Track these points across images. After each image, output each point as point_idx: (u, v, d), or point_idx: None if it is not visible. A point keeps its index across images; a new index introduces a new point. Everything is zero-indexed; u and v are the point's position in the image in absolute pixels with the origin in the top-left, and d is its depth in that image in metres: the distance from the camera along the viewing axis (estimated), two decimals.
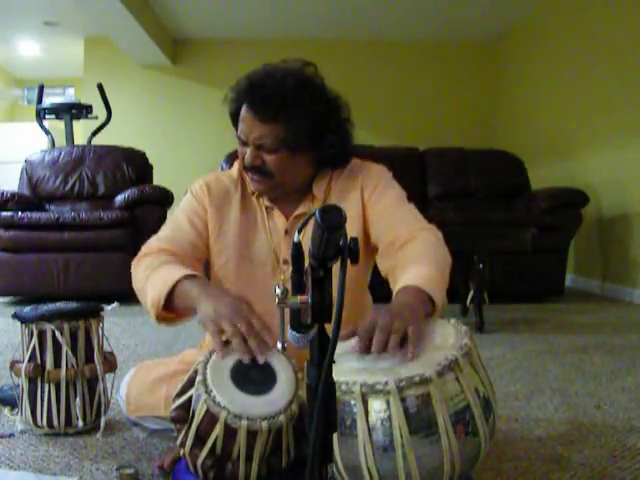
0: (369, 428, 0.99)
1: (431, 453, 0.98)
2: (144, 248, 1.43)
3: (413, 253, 1.28)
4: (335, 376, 1.00)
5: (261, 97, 1.31)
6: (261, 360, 1.11)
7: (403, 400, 0.98)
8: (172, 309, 1.28)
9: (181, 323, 1.36)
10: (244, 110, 1.34)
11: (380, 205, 1.41)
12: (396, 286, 1.22)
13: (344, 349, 1.11)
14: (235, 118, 1.41)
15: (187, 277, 1.25)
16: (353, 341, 1.15)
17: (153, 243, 1.43)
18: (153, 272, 1.32)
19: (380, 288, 1.51)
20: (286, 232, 1.43)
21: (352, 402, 1.00)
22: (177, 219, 1.47)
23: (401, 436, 0.97)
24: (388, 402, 0.98)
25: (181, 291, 1.24)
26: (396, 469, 0.98)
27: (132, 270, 1.41)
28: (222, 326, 1.12)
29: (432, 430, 0.98)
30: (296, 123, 1.32)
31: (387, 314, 1.08)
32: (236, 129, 1.42)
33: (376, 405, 0.99)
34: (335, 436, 0.99)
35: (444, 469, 1.00)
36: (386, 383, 0.98)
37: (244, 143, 1.36)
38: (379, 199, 1.42)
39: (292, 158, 1.36)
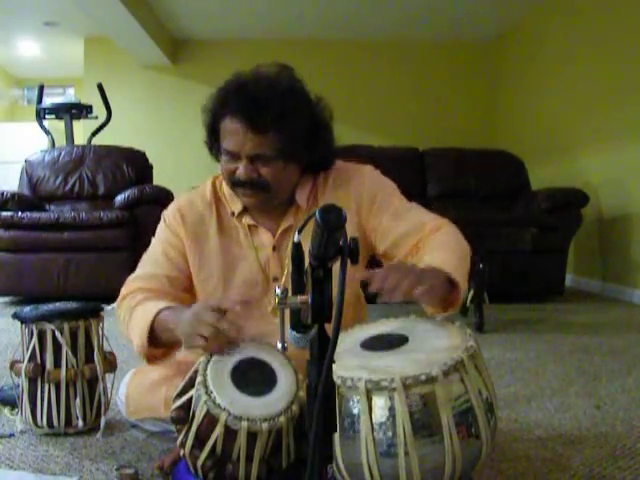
0: (372, 425, 0.99)
1: (433, 453, 0.98)
2: (123, 289, 1.40)
3: (435, 242, 1.29)
4: (339, 372, 1.00)
5: (254, 106, 1.24)
6: (233, 334, 1.12)
7: (408, 398, 0.97)
8: (160, 344, 1.28)
9: (172, 356, 1.36)
10: (232, 122, 1.26)
11: (387, 214, 1.37)
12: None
13: (347, 346, 1.11)
14: (212, 130, 1.34)
15: (162, 310, 1.24)
16: (357, 335, 1.16)
17: (130, 284, 1.40)
18: (132, 315, 1.31)
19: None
20: (274, 248, 1.38)
21: (356, 398, 1.00)
22: (152, 254, 1.43)
23: (404, 434, 0.97)
24: (393, 399, 0.98)
25: (160, 326, 1.24)
26: (397, 467, 0.98)
27: (116, 313, 1.40)
28: (201, 332, 1.12)
29: (435, 429, 0.98)
30: (291, 131, 1.26)
31: (404, 266, 1.10)
32: (213, 141, 1.35)
33: (380, 402, 0.99)
34: (337, 434, 1.00)
35: (445, 469, 0.99)
36: (392, 380, 0.98)
37: (234, 157, 1.29)
38: (383, 208, 1.37)
39: (286, 167, 1.30)
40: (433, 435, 0.98)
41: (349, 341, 1.13)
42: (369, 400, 0.99)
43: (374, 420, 0.99)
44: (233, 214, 1.40)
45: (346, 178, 1.42)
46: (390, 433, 0.98)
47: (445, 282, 1.15)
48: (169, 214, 1.45)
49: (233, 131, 1.27)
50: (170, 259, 1.39)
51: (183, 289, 1.41)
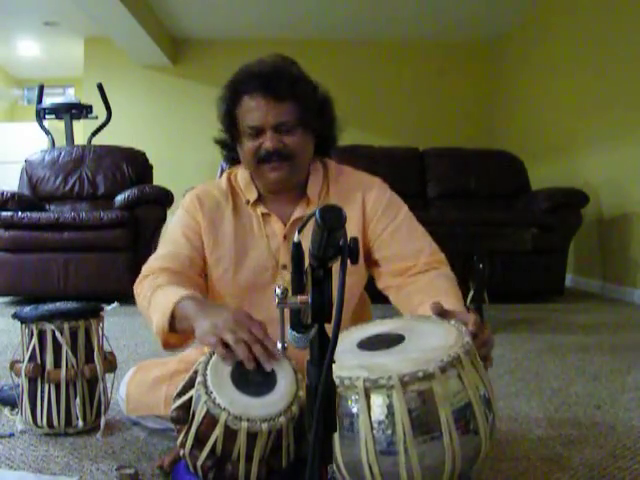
0: (371, 424, 0.99)
1: (433, 449, 0.98)
2: (144, 269, 1.42)
3: (443, 283, 1.35)
4: (338, 371, 1.00)
5: (270, 79, 1.32)
6: (268, 368, 1.10)
7: (406, 395, 0.98)
8: (177, 330, 1.28)
9: (188, 346, 1.36)
10: (251, 99, 1.34)
11: (390, 227, 1.42)
12: (423, 304, 1.26)
13: (344, 347, 1.11)
14: (230, 117, 1.39)
15: (184, 298, 1.24)
16: (354, 336, 1.16)
17: (152, 263, 1.42)
18: (153, 296, 1.32)
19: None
20: (284, 237, 1.42)
21: (355, 397, 1.00)
22: (172, 235, 1.46)
23: (404, 432, 0.97)
24: (391, 397, 0.98)
25: (179, 314, 1.23)
26: (397, 466, 0.98)
27: (135, 293, 1.41)
28: (223, 336, 1.10)
29: (434, 426, 0.98)
30: (305, 99, 1.35)
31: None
32: (231, 130, 1.41)
33: (379, 400, 0.99)
34: (336, 434, 1.00)
35: (445, 467, 0.99)
36: (389, 378, 0.98)
37: (258, 132, 1.35)
38: (386, 218, 1.43)
39: (305, 137, 1.38)
40: (432, 432, 0.98)
41: (346, 342, 1.14)
42: (367, 399, 0.99)
43: (373, 419, 0.99)
44: (248, 202, 1.45)
45: (357, 181, 1.48)
46: (389, 431, 0.98)
47: None
48: (187, 200, 1.50)
49: (254, 107, 1.34)
50: (189, 240, 1.43)
51: (200, 272, 1.44)
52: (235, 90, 1.37)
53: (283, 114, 1.33)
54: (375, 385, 0.99)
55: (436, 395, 0.98)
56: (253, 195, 1.45)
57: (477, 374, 1.06)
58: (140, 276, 1.42)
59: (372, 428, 0.98)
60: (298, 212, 1.43)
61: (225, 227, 1.44)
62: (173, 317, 1.24)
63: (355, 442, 1.00)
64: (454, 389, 1.01)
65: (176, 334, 1.29)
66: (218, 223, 1.45)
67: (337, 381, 1.00)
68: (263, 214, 1.44)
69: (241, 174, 1.49)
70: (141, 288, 1.38)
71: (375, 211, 1.44)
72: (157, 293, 1.31)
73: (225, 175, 1.52)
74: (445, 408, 0.98)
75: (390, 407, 0.98)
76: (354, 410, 1.00)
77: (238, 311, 1.18)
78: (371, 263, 1.47)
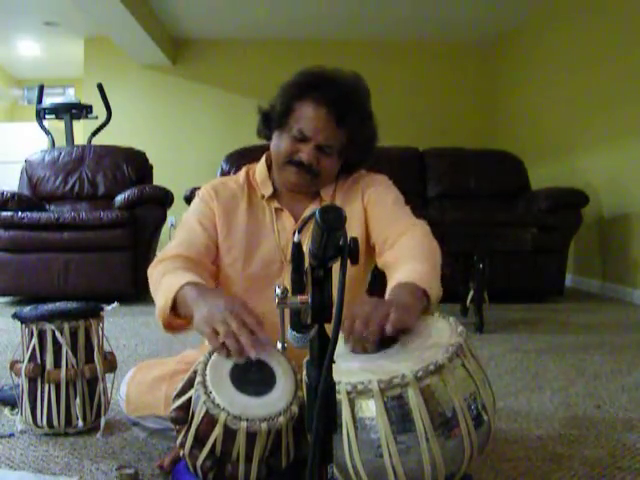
0: (391, 425, 0.98)
1: (451, 439, 0.98)
2: (160, 254, 1.44)
3: (403, 250, 1.32)
4: (347, 378, 0.99)
5: (340, 99, 1.35)
6: (252, 355, 1.09)
7: (421, 390, 0.98)
8: (179, 315, 1.29)
9: (188, 330, 1.36)
10: (316, 108, 1.36)
11: (378, 207, 1.46)
12: (389, 284, 1.23)
13: (340, 350, 1.11)
14: (286, 107, 1.40)
15: (187, 284, 1.24)
16: (341, 343, 1.15)
17: (168, 249, 1.44)
18: (162, 279, 1.33)
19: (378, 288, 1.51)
20: (294, 233, 1.44)
21: (370, 401, 0.99)
22: (188, 223, 1.49)
23: (424, 427, 0.97)
24: (407, 395, 0.97)
25: (181, 299, 1.24)
26: (421, 462, 0.97)
27: (148, 276, 1.42)
28: (216, 327, 1.11)
29: (450, 416, 0.99)
30: (360, 134, 1.41)
31: (369, 304, 1.08)
32: (280, 117, 1.41)
33: (395, 400, 0.98)
34: (354, 441, 0.99)
35: (465, 454, 1.00)
36: (403, 376, 0.98)
37: (303, 140, 1.37)
38: (377, 201, 1.47)
39: (337, 162, 1.44)
40: (449, 422, 0.98)
41: (341, 344, 1.12)
42: (383, 400, 0.99)
43: (392, 419, 0.98)
44: (263, 197, 1.49)
45: (359, 178, 1.53)
46: (410, 429, 0.97)
47: (416, 298, 1.15)
48: (203, 190, 1.53)
49: (313, 117, 1.37)
50: (205, 229, 1.46)
51: (214, 260, 1.47)
52: (304, 90, 1.39)
53: (333, 138, 1.37)
54: (390, 385, 0.98)
55: (448, 385, 0.99)
56: (269, 190, 1.49)
57: (474, 359, 1.07)
58: (155, 260, 1.43)
59: (392, 430, 0.97)
60: (310, 210, 1.46)
61: (239, 217, 1.48)
62: (175, 301, 1.25)
63: (375, 447, 0.99)
64: (461, 377, 1.02)
65: (179, 317, 1.30)
66: (232, 213, 1.48)
67: (349, 387, 0.99)
68: (276, 209, 1.48)
69: (259, 170, 1.53)
70: (154, 271, 1.40)
71: (370, 194, 1.48)
72: (166, 277, 1.33)
73: (244, 169, 1.56)
74: (458, 397, 0.99)
75: (407, 405, 0.97)
76: (371, 414, 0.99)
77: (234, 300, 1.18)
78: (371, 249, 1.47)
